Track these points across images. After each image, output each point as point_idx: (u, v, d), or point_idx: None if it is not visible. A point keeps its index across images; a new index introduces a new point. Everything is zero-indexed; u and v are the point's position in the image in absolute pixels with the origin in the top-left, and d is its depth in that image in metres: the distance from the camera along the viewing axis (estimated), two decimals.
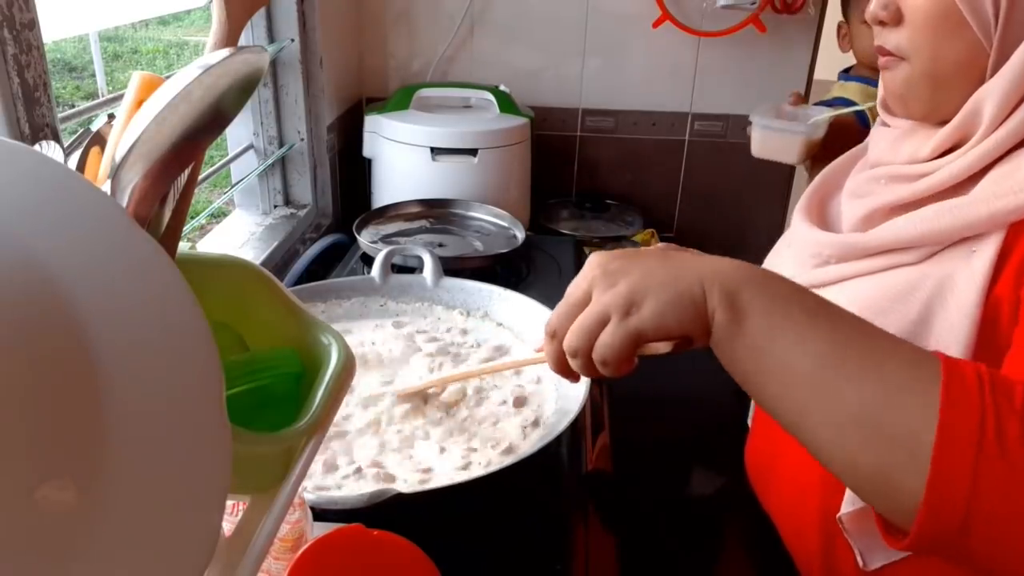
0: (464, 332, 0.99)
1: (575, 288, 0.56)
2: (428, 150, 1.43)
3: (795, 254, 0.74)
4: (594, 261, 0.55)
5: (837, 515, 0.63)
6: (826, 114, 1.27)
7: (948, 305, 0.56)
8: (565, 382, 0.85)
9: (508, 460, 0.73)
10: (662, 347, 0.55)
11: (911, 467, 0.43)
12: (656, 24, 1.55)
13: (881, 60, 0.66)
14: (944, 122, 0.62)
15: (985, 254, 0.55)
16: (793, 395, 0.49)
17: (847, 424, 0.46)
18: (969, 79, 0.60)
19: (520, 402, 0.85)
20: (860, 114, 1.36)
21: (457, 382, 0.86)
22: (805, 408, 0.48)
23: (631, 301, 0.52)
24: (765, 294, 0.51)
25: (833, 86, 1.56)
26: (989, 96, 0.58)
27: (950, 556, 0.46)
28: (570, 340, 0.54)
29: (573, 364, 0.56)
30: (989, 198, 0.56)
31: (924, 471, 0.43)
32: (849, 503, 0.62)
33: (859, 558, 0.64)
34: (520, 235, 1.28)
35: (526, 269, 1.28)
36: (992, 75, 0.59)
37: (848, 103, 1.43)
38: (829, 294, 0.64)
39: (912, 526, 0.44)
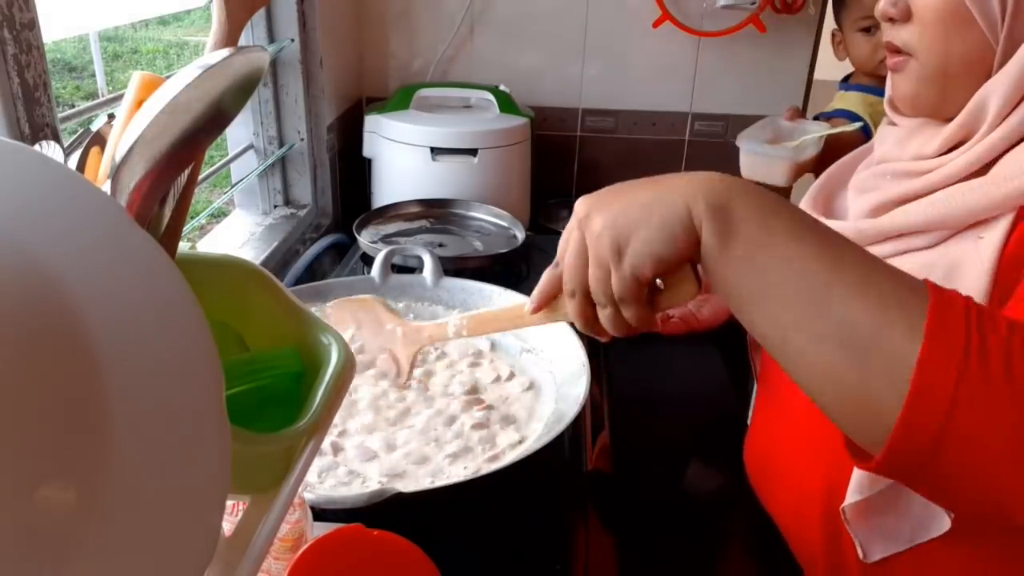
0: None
1: (573, 243, 0.55)
2: (428, 150, 1.43)
3: None
4: (578, 209, 0.55)
5: (841, 506, 0.63)
6: (814, 135, 1.28)
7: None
8: (565, 381, 0.86)
9: (508, 460, 0.73)
10: (687, 288, 0.54)
11: (892, 385, 0.43)
12: (656, 24, 1.55)
13: (890, 61, 0.66)
14: (950, 119, 0.63)
15: (993, 240, 0.56)
16: (779, 309, 0.48)
17: (832, 339, 0.45)
18: (976, 76, 0.60)
19: (520, 402, 0.85)
20: (865, 127, 1.36)
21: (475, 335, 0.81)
22: (790, 323, 0.47)
23: (618, 244, 0.52)
24: (753, 204, 0.50)
25: (834, 96, 1.56)
26: (994, 92, 0.58)
27: (914, 481, 0.46)
28: (595, 292, 0.55)
29: (605, 319, 0.56)
30: (1000, 180, 0.56)
31: (904, 389, 0.42)
32: (853, 494, 0.62)
33: (859, 550, 0.64)
34: (520, 235, 1.28)
35: (526, 269, 1.28)
36: (998, 71, 0.59)
37: (848, 115, 1.43)
38: None
39: (885, 443, 0.44)
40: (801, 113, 1.46)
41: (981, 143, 0.59)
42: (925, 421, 0.42)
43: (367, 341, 0.87)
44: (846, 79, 1.55)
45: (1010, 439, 0.41)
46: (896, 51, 0.65)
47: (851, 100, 1.49)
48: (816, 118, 1.52)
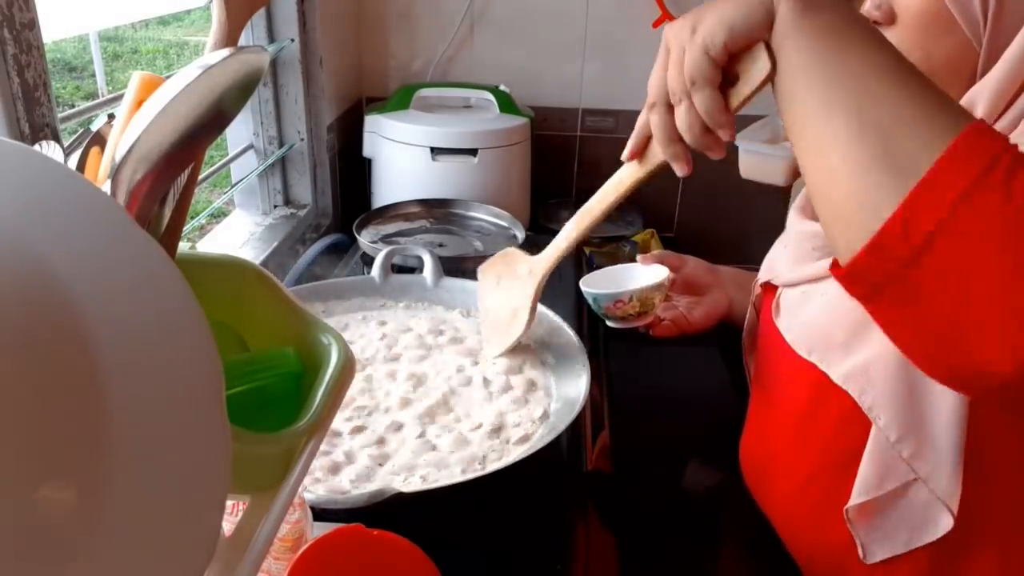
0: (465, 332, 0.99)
1: (658, 59, 0.59)
2: (428, 150, 1.43)
3: (794, 249, 0.74)
4: (666, 28, 0.58)
5: (844, 507, 0.63)
6: None
7: None
8: (565, 381, 0.86)
9: (508, 460, 0.73)
10: (761, 67, 0.54)
11: (901, 176, 0.43)
12: (656, 24, 1.55)
13: None
14: None
15: None
16: (836, 88, 0.48)
17: (868, 129, 0.45)
18: (960, 78, 0.60)
19: (520, 402, 0.85)
20: None
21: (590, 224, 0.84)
22: (839, 103, 0.47)
23: (694, 24, 0.54)
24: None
25: None
26: (980, 96, 0.58)
27: (882, 294, 0.44)
28: (671, 85, 0.57)
29: (681, 116, 0.57)
30: None
31: (910, 183, 0.42)
32: (858, 495, 0.62)
33: (860, 551, 0.64)
34: (520, 235, 1.28)
35: None
36: (983, 75, 0.59)
37: None
38: (831, 286, 0.64)
39: (872, 236, 0.43)
40: None
41: None
42: (921, 216, 0.41)
43: (513, 294, 0.91)
44: None
45: (1001, 263, 0.40)
46: None
47: None
48: None
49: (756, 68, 0.54)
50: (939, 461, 0.59)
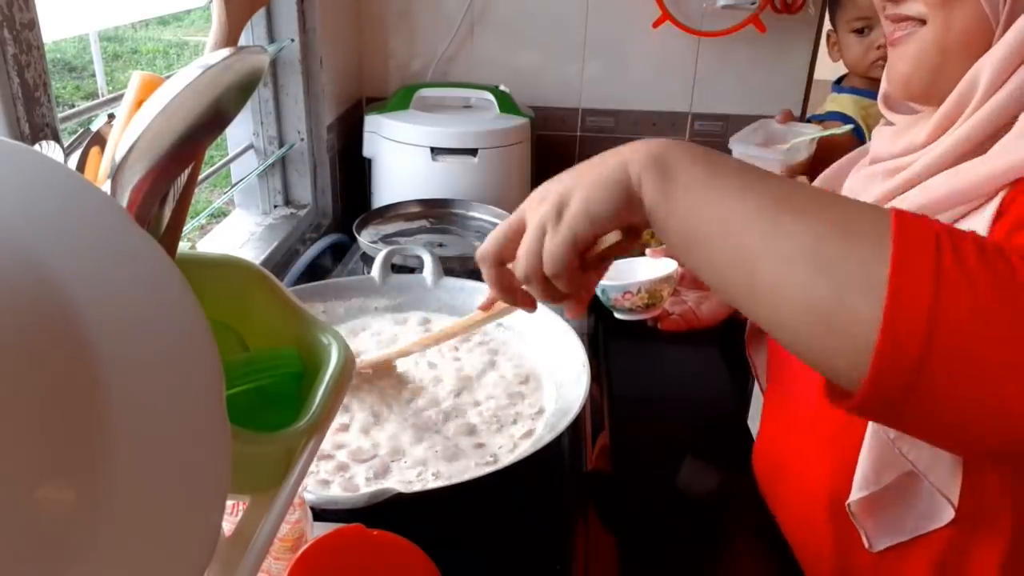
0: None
1: (509, 219, 0.56)
2: (428, 150, 1.43)
3: None
4: (530, 197, 0.56)
5: (846, 502, 0.63)
6: (806, 137, 1.27)
7: None
8: (565, 381, 0.86)
9: (508, 460, 0.73)
10: (611, 238, 0.54)
11: (867, 293, 0.41)
12: (656, 24, 1.55)
13: (892, 37, 0.64)
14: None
15: (981, 225, 0.54)
16: (738, 242, 0.46)
17: (796, 259, 0.43)
18: (971, 56, 0.58)
19: (520, 402, 0.85)
20: (857, 129, 1.35)
21: (415, 350, 0.88)
22: (750, 253, 0.45)
23: (560, 205, 0.52)
24: (690, 153, 0.49)
25: (827, 98, 1.56)
26: (984, 67, 0.57)
27: (903, 405, 0.42)
28: (520, 267, 0.55)
29: (532, 292, 0.56)
30: (984, 158, 0.54)
31: (880, 295, 0.40)
32: (859, 489, 0.62)
33: (866, 541, 0.64)
34: None
35: None
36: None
37: (841, 117, 1.43)
38: None
39: (870, 361, 0.41)
40: (793, 116, 1.46)
41: (968, 122, 0.57)
42: (910, 325, 0.40)
43: None
44: (839, 80, 1.55)
45: (1002, 329, 0.39)
46: (901, 20, 0.63)
47: (843, 102, 1.49)
48: (809, 120, 1.52)
49: (609, 236, 0.54)
50: (938, 453, 0.59)
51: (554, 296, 0.56)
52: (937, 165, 0.59)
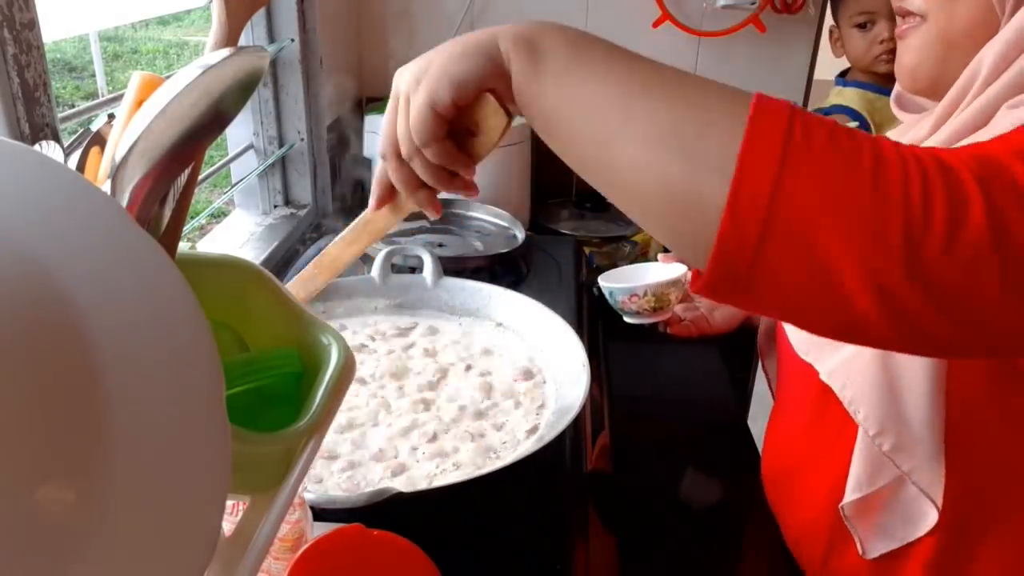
0: (463, 332, 0.99)
1: (388, 106, 0.55)
2: None
3: None
4: (397, 73, 0.54)
5: (839, 504, 0.63)
6: None
7: None
8: (565, 380, 0.86)
9: (508, 460, 0.73)
10: (496, 122, 0.52)
11: (717, 177, 0.41)
12: (656, 24, 1.55)
13: (899, 29, 0.64)
14: None
15: None
16: (598, 122, 0.46)
17: (653, 141, 0.43)
18: (977, 45, 0.58)
19: (520, 402, 0.85)
20: (863, 124, 1.35)
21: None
22: (609, 134, 0.45)
23: (420, 72, 0.51)
24: (563, 35, 0.49)
25: (830, 92, 1.56)
26: (986, 55, 0.56)
27: (748, 283, 0.42)
28: (401, 140, 0.53)
29: (419, 171, 0.54)
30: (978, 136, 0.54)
31: (728, 178, 0.40)
32: (852, 491, 0.63)
33: (859, 546, 0.64)
34: (520, 235, 1.28)
35: (526, 269, 1.27)
36: None
37: (847, 110, 1.43)
38: None
39: (713, 245, 0.41)
40: None
41: (964, 112, 0.57)
42: (750, 203, 0.40)
43: None
44: (843, 74, 1.55)
45: (838, 204, 0.39)
46: (906, 15, 0.63)
47: (849, 96, 1.49)
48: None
49: (493, 123, 0.52)
50: (921, 454, 0.59)
51: (439, 176, 0.54)
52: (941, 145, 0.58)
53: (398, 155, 0.55)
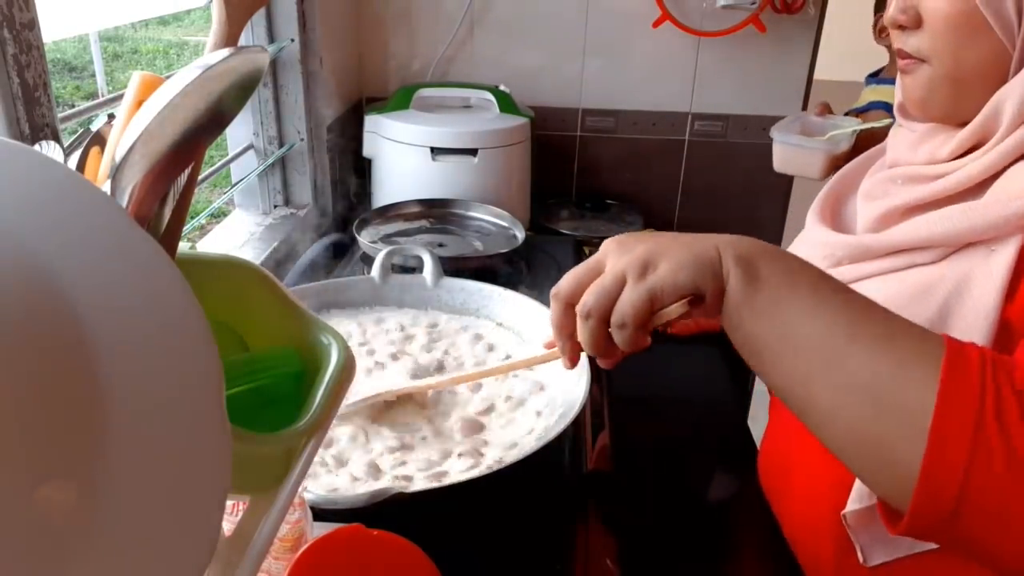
0: (463, 332, 0.99)
1: (587, 261, 0.57)
2: (428, 150, 1.43)
3: (807, 255, 0.74)
4: (609, 241, 0.57)
5: (842, 512, 0.63)
6: (848, 128, 1.27)
7: (966, 305, 0.56)
8: (566, 381, 0.86)
9: (508, 460, 0.73)
10: (676, 309, 0.54)
11: (910, 438, 0.44)
12: (656, 24, 1.55)
13: (900, 64, 0.65)
14: (964, 123, 0.61)
15: (1005, 254, 0.54)
16: (801, 361, 0.49)
17: (852, 391, 0.47)
18: (991, 81, 0.59)
19: (520, 402, 0.85)
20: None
21: (453, 384, 0.85)
22: (811, 374, 0.48)
23: (647, 262, 0.53)
24: (780, 262, 0.52)
25: (863, 91, 1.55)
26: (1010, 96, 0.57)
27: (945, 538, 0.46)
28: (587, 299, 0.55)
29: (583, 330, 0.56)
30: (1004, 199, 0.55)
31: (922, 442, 0.43)
32: (854, 501, 0.62)
33: (860, 554, 0.64)
34: (520, 235, 1.28)
35: (526, 269, 1.27)
36: (1014, 75, 0.58)
37: (886, 106, 1.43)
38: None
39: (909, 501, 0.44)
40: (830, 109, 1.45)
41: (997, 148, 0.58)
42: (945, 474, 0.43)
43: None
44: (875, 74, 1.54)
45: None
46: (908, 58, 0.64)
47: (885, 92, 1.48)
48: (846, 114, 1.52)
49: (673, 309, 0.54)
50: None
51: (598, 344, 0.56)
52: (963, 187, 0.60)
53: (570, 303, 0.57)
